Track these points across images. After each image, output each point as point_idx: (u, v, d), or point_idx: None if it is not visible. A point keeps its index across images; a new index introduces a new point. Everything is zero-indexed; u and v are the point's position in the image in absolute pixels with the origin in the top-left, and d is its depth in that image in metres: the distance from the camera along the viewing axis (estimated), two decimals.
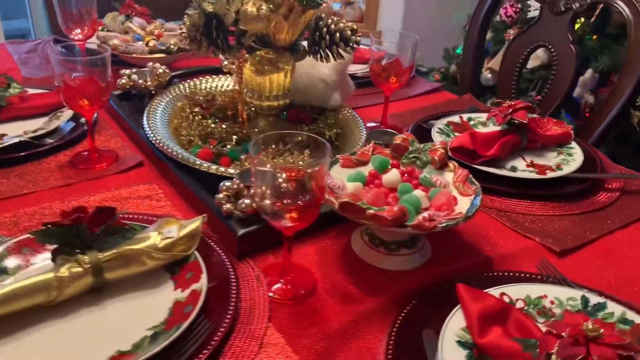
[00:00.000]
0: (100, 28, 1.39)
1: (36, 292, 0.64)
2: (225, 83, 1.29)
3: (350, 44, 1.04)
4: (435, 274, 0.80)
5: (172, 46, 1.31)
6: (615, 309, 0.69)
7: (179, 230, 0.74)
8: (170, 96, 1.19)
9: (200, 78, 1.27)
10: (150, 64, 1.21)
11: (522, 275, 0.77)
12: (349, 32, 1.03)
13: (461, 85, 1.86)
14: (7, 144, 1.01)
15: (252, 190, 0.83)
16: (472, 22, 1.78)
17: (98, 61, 0.95)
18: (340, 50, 1.03)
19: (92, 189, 0.95)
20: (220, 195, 0.84)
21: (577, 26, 2.11)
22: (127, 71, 1.20)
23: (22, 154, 1.01)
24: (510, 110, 1.10)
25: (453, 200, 0.79)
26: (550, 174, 1.04)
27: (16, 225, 0.84)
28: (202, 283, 0.69)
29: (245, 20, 0.95)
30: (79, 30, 1.35)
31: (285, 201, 0.68)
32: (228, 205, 0.83)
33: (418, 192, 0.79)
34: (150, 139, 1.02)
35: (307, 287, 0.76)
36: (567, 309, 0.70)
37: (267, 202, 0.69)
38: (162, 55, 1.31)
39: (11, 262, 0.71)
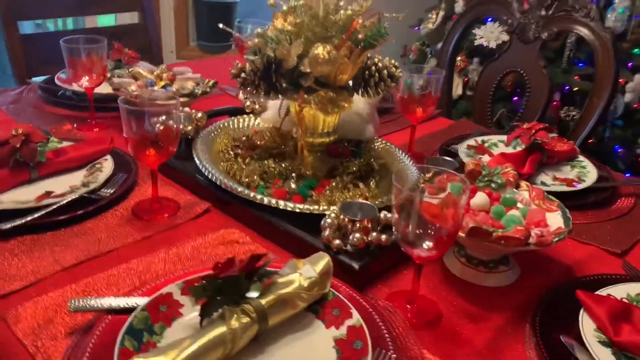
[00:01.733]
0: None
1: (215, 349, 0.63)
2: (252, 123, 1.31)
3: (395, 80, 1.11)
4: (532, 286, 0.87)
5: (196, 90, 1.30)
6: None
7: (314, 269, 0.75)
8: (207, 140, 1.19)
9: (229, 120, 1.28)
10: (186, 109, 1.20)
11: (611, 276, 0.87)
12: (393, 69, 1.10)
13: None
14: (67, 200, 0.96)
15: (357, 224, 0.86)
16: (441, 56, 1.91)
17: (171, 110, 0.94)
18: (387, 86, 1.10)
19: (172, 240, 0.93)
20: (327, 233, 0.87)
21: None
22: (163, 118, 1.17)
23: (79, 212, 0.96)
24: (533, 131, 1.22)
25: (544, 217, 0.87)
26: (579, 186, 1.16)
27: (116, 286, 0.80)
28: (357, 318, 0.71)
29: (316, 63, 0.99)
30: (87, 78, 1.31)
31: (429, 231, 0.72)
32: (337, 241, 0.86)
33: (515, 212, 0.87)
34: (220, 184, 1.01)
35: (435, 312, 0.80)
36: None
37: (411, 230, 0.73)
38: (186, 99, 1.30)
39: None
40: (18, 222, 0.90)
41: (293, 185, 1.05)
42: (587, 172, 1.23)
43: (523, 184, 0.96)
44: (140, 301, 0.73)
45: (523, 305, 0.82)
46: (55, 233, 0.92)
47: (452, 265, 0.90)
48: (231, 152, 1.17)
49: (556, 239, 0.80)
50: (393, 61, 1.12)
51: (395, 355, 0.67)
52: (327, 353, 0.68)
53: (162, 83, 1.35)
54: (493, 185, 0.97)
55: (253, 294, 0.69)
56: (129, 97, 1.27)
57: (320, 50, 0.98)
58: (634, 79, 2.32)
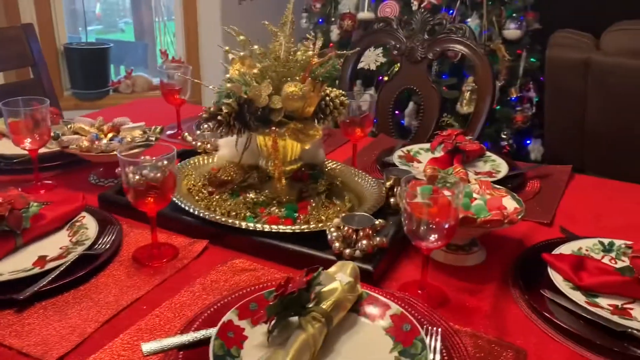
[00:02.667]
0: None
1: (305, 353, 0.72)
2: (207, 161, 1.38)
3: (344, 107, 1.27)
4: (499, 260, 1.07)
5: (150, 137, 1.34)
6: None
7: (346, 274, 0.87)
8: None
9: (184, 163, 1.34)
10: (147, 157, 1.23)
11: (555, 240, 1.10)
12: (342, 98, 1.26)
13: None
14: (72, 260, 0.97)
15: (360, 233, 1.00)
16: (341, 83, 2.11)
17: (166, 160, 0.99)
18: (339, 113, 1.25)
19: (187, 279, 0.98)
20: (337, 244, 0.99)
21: None
22: (131, 169, 1.20)
23: (87, 269, 0.97)
24: (454, 136, 1.46)
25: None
26: (499, 176, 1.41)
27: (161, 329, 0.85)
28: (396, 307, 0.84)
29: (289, 99, 1.11)
30: (29, 140, 1.28)
31: (431, 225, 0.88)
32: (348, 251, 0.98)
33: (478, 202, 1.06)
34: (216, 220, 1.08)
35: (442, 293, 0.96)
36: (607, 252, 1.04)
37: (422, 228, 0.88)
38: (141, 149, 1.32)
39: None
40: (33, 289, 0.89)
41: (278, 211, 1.15)
42: (498, 164, 1.49)
43: (472, 179, 1.17)
44: (204, 333, 0.79)
45: (501, 275, 1.01)
46: (71, 293, 0.92)
47: (436, 254, 1.07)
48: (204, 191, 1.24)
49: (519, 216, 1.01)
50: (340, 91, 1.28)
51: (439, 328, 0.82)
52: (384, 341, 0.80)
53: (110, 135, 1.37)
54: (448, 184, 1.16)
55: (311, 304, 0.79)
56: (81, 151, 1.28)
57: (292, 88, 1.10)
58: None
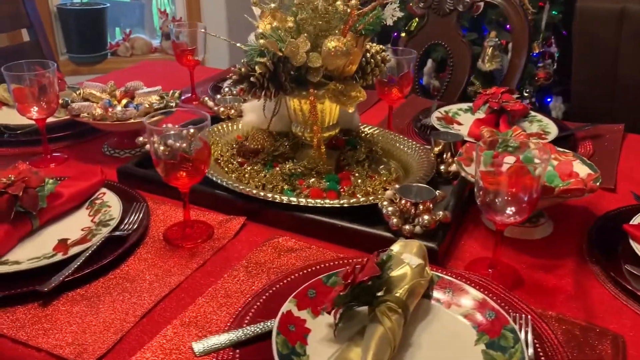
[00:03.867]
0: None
1: (385, 351, 0.62)
2: (231, 128, 1.26)
3: (385, 63, 1.14)
4: (569, 232, 0.97)
5: (170, 103, 1.21)
6: None
7: (413, 255, 0.76)
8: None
9: (211, 129, 1.21)
10: (170, 125, 1.11)
11: (629, 207, 0.99)
12: (384, 54, 1.13)
13: None
14: (97, 244, 0.86)
15: (420, 207, 0.89)
16: None
17: (200, 129, 0.87)
18: (380, 70, 1.13)
19: (228, 261, 0.88)
20: (395, 220, 0.88)
21: None
22: (155, 138, 1.09)
23: (110, 258, 0.85)
24: (499, 94, 1.33)
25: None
26: (550, 137, 1.29)
27: (210, 322, 0.75)
28: (474, 292, 0.74)
29: (331, 57, 0.98)
30: (36, 108, 1.15)
31: (507, 197, 0.77)
32: (407, 227, 0.87)
33: (549, 169, 0.95)
34: (255, 195, 0.97)
35: (515, 272, 0.86)
36: None
37: (499, 200, 0.77)
38: (161, 116, 1.20)
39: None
40: (58, 279, 0.79)
41: (318, 183, 1.03)
42: (546, 124, 1.37)
43: (531, 143, 1.05)
44: (261, 327, 0.69)
45: (575, 249, 0.91)
46: (101, 282, 0.82)
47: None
48: (233, 162, 1.12)
49: (597, 183, 0.90)
50: (381, 46, 1.15)
51: (529, 316, 0.72)
52: (465, 331, 0.70)
53: (124, 102, 1.24)
54: (510, 148, 1.04)
55: (382, 292, 0.69)
56: (94, 120, 1.16)
57: (335, 42, 0.97)
58: None
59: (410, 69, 1.27)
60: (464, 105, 1.50)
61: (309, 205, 0.95)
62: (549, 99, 2.93)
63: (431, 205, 0.89)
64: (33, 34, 1.91)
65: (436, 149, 1.13)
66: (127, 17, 3.81)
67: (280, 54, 0.99)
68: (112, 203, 0.98)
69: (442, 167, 1.10)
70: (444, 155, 1.13)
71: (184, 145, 0.86)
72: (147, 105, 1.19)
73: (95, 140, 1.30)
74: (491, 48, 2.51)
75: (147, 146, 1.10)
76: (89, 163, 1.21)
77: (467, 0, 1.79)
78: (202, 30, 1.50)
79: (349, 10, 1.02)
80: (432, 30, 1.87)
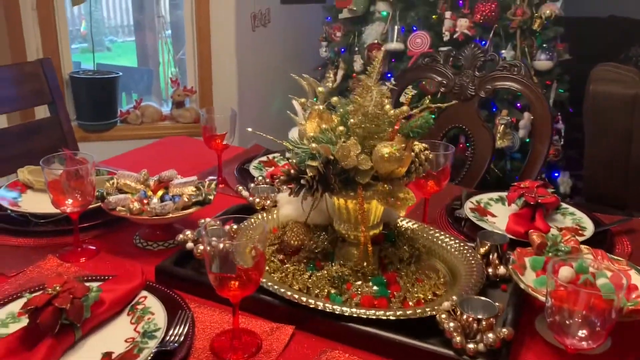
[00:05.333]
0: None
1: None
2: (267, 219, 1.23)
3: (428, 161, 1.14)
4: (628, 347, 0.94)
5: (208, 195, 1.18)
6: None
7: None
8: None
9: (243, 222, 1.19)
10: (206, 220, 1.09)
11: None
12: (427, 152, 1.13)
13: None
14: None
15: (483, 323, 0.86)
16: None
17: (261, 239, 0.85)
18: (424, 168, 1.12)
19: None
20: (458, 339, 0.84)
21: None
22: (189, 234, 1.06)
23: None
24: (535, 189, 1.33)
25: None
26: (587, 233, 1.28)
27: None
28: None
29: (384, 161, 0.97)
30: (71, 201, 1.12)
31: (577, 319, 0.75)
32: (471, 346, 0.84)
33: (602, 280, 0.93)
34: (305, 304, 0.93)
35: None
36: None
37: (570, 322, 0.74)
38: (197, 207, 1.18)
39: None
40: None
41: (367, 288, 1.00)
42: (579, 218, 1.37)
43: (584, 248, 1.04)
44: None
45: None
46: None
47: (550, 336, 0.93)
48: (274, 260, 1.09)
49: None
50: (423, 144, 1.14)
51: None
52: None
53: (160, 193, 1.22)
54: (560, 253, 1.03)
55: None
56: (131, 215, 1.13)
57: (388, 149, 0.97)
58: (524, 116, 2.63)
59: (448, 163, 1.27)
60: (494, 195, 1.50)
61: (363, 317, 0.91)
62: (556, 174, 2.96)
63: (494, 321, 0.86)
64: (54, 110, 1.90)
65: (482, 250, 1.11)
66: (135, 83, 3.85)
67: (332, 157, 0.98)
68: (155, 309, 0.94)
69: (490, 270, 1.07)
70: (490, 256, 1.10)
71: (242, 259, 0.83)
72: (186, 199, 1.16)
73: (126, 230, 1.27)
74: (502, 126, 2.55)
75: (189, 246, 1.06)
76: (121, 256, 1.17)
77: (489, 87, 1.83)
78: (240, 124, 1.50)
79: (396, 113, 1.02)
80: (453, 114, 1.90)
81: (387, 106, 1.02)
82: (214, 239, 0.83)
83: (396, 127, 1.02)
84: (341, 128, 1.00)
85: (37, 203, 1.34)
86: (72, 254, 1.16)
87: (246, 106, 3.27)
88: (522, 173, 1.82)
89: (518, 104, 2.65)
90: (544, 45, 2.66)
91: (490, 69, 1.82)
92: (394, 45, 2.67)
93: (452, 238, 1.18)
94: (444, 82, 1.89)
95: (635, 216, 1.41)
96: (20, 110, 2.14)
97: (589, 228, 1.31)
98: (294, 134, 1.18)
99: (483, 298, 0.91)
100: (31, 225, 1.26)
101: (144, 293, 0.98)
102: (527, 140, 2.74)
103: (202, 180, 1.28)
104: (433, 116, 1.07)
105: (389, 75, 2.75)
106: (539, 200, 1.32)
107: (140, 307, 0.95)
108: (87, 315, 0.87)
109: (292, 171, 1.01)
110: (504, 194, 1.49)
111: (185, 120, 3.21)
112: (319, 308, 0.93)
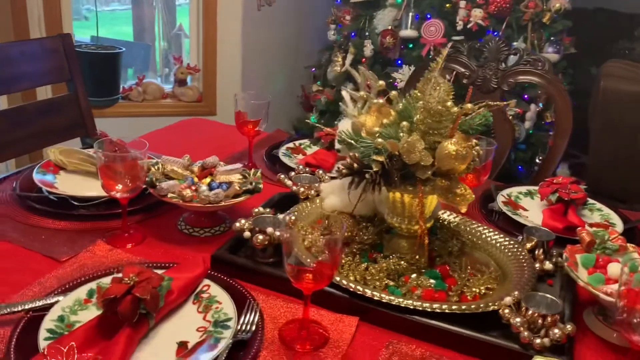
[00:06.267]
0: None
1: None
2: (308, 208, 1.24)
3: (479, 158, 1.16)
4: None
5: (256, 184, 1.19)
6: None
7: None
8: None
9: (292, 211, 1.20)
10: (257, 209, 1.10)
11: None
12: (478, 147, 1.15)
13: None
14: (223, 349, 0.82)
15: (548, 319, 0.89)
16: None
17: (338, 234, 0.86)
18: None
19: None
20: (525, 334, 0.87)
21: None
22: (244, 222, 1.07)
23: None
24: (568, 185, 1.37)
25: None
26: (618, 228, 1.32)
27: None
28: None
29: (449, 159, 0.99)
30: (121, 186, 1.12)
31: None
32: (539, 340, 0.87)
33: None
34: (370, 297, 0.95)
35: None
36: None
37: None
38: (248, 195, 1.18)
39: None
40: None
41: (425, 282, 1.03)
42: (607, 214, 1.41)
43: (629, 246, 1.08)
44: None
45: None
46: None
47: (603, 331, 0.97)
48: (326, 252, 1.10)
49: None
50: (475, 140, 1.16)
51: None
52: None
53: (207, 180, 1.21)
54: (608, 251, 1.06)
55: None
56: (184, 202, 1.13)
57: (454, 146, 0.98)
58: (530, 108, 2.67)
59: (490, 158, 1.30)
60: (522, 189, 1.53)
61: (428, 310, 0.93)
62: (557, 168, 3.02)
63: (558, 318, 0.89)
64: (72, 88, 1.86)
65: (528, 245, 1.14)
66: (132, 59, 3.78)
67: (397, 152, 0.99)
68: (221, 298, 0.94)
69: (537, 265, 1.11)
70: (536, 252, 1.14)
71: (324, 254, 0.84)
72: (237, 187, 1.16)
73: (169, 215, 1.27)
74: (510, 117, 2.59)
75: (246, 235, 1.07)
76: (168, 242, 1.17)
77: (511, 80, 1.85)
78: (267, 101, 1.50)
79: (459, 110, 1.03)
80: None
81: (450, 102, 1.04)
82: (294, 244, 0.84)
83: (456, 123, 1.04)
84: (405, 123, 1.01)
85: (74, 185, 1.33)
86: (120, 239, 1.16)
87: (249, 86, 3.24)
88: (541, 167, 1.86)
89: (525, 96, 2.69)
90: (552, 38, 2.70)
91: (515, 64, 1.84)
92: (408, 32, 2.68)
93: (494, 232, 1.21)
94: (467, 73, 1.90)
95: None
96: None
97: (618, 224, 1.36)
98: (345, 125, 1.18)
99: (546, 295, 0.94)
100: (72, 208, 1.24)
101: (207, 281, 0.98)
102: (531, 132, 2.79)
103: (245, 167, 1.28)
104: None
105: (399, 61, 2.76)
106: (572, 197, 1.36)
107: (205, 295, 0.96)
108: (161, 304, 0.87)
109: (355, 165, 1.02)
110: (532, 188, 1.53)
111: (188, 99, 3.17)
112: (384, 301, 0.95)
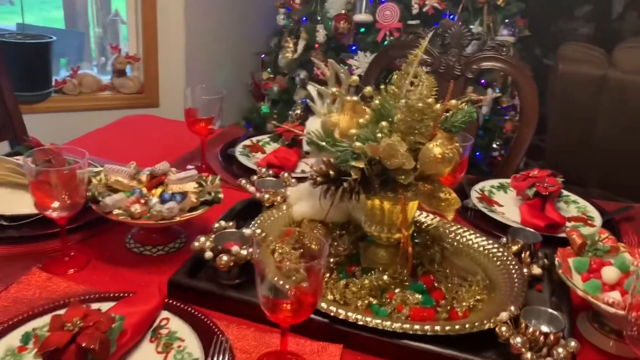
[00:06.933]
0: None
1: None
2: (273, 216, 1.12)
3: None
4: None
5: (217, 194, 1.05)
6: None
7: None
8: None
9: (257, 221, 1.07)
10: (218, 224, 0.97)
11: None
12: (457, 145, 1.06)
13: None
14: None
15: (551, 337, 0.81)
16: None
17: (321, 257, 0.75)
18: None
19: None
20: (528, 355, 0.79)
21: None
22: (204, 240, 0.94)
23: None
24: (545, 179, 1.30)
25: None
26: (596, 222, 1.28)
27: None
28: None
29: (435, 162, 0.89)
30: (57, 204, 0.96)
31: None
32: None
33: None
34: (353, 321, 0.84)
35: None
36: None
37: None
38: (205, 207, 1.04)
39: None
40: None
41: (410, 297, 0.93)
42: (584, 207, 1.36)
43: (620, 246, 1.02)
44: None
45: None
46: None
47: (600, 340, 0.91)
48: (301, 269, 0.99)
49: None
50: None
51: None
52: None
53: (158, 191, 1.07)
54: (599, 252, 1.00)
55: None
56: (133, 220, 0.99)
57: (439, 149, 0.89)
58: (487, 93, 2.63)
59: (466, 155, 1.21)
60: (494, 182, 1.46)
61: (419, 333, 0.84)
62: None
63: (561, 335, 0.82)
64: None
65: (514, 248, 1.07)
66: (65, 48, 3.50)
67: (377, 157, 0.88)
68: (184, 334, 0.82)
69: (524, 271, 1.03)
70: (522, 255, 1.06)
71: (303, 280, 0.73)
72: (194, 199, 1.03)
73: (114, 231, 1.11)
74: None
75: (208, 255, 0.94)
76: (115, 264, 1.02)
77: (475, 67, 1.78)
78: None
79: (442, 108, 0.93)
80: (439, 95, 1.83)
81: (431, 99, 0.94)
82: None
83: (437, 121, 0.94)
84: (384, 124, 0.90)
85: (1, 201, 1.16)
86: (59, 264, 1.00)
87: (193, 75, 3.05)
88: (508, 157, 1.80)
89: (482, 81, 2.64)
90: (506, 20, 2.66)
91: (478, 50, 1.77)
92: (362, 16, 2.56)
93: (475, 234, 1.13)
94: (429, 60, 1.81)
95: (636, 203, 1.43)
96: None
97: (596, 217, 1.31)
98: (314, 124, 1.07)
99: (546, 309, 0.86)
100: (1, 229, 1.07)
101: (165, 313, 0.85)
102: (487, 117, 2.75)
103: (198, 172, 1.14)
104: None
105: (353, 47, 2.65)
106: (549, 190, 1.30)
107: (164, 331, 0.83)
108: (112, 350, 0.73)
109: (330, 172, 0.90)
110: (504, 181, 1.46)
111: (128, 91, 2.95)
112: (371, 325, 0.85)
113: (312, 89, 1.10)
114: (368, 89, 0.98)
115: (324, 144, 0.97)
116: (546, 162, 2.63)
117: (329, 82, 1.08)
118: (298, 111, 2.56)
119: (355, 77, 0.99)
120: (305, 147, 1.06)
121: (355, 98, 0.96)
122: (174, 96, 3.00)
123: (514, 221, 1.26)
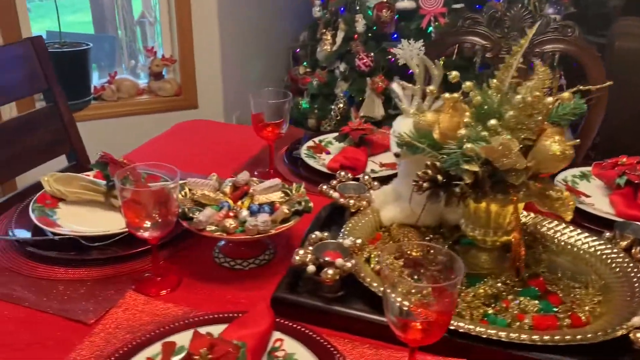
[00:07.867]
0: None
1: None
2: (361, 222, 1.07)
3: None
4: None
5: (307, 203, 1.01)
6: None
7: None
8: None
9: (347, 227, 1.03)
10: (314, 235, 0.93)
11: None
12: None
13: None
14: None
15: None
16: None
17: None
18: None
19: None
20: None
21: None
22: (303, 254, 0.90)
23: None
24: (636, 165, 1.24)
25: None
26: None
27: None
28: None
29: (554, 160, 0.83)
30: (149, 223, 0.93)
31: None
32: None
33: None
34: (477, 334, 0.80)
35: None
36: None
37: None
38: (296, 218, 1.00)
39: None
40: None
41: (528, 304, 0.88)
42: None
43: None
44: None
45: None
46: None
47: None
48: (403, 276, 0.94)
49: None
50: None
51: None
52: None
53: (246, 202, 1.03)
54: None
55: None
56: (228, 235, 0.96)
57: (558, 145, 0.83)
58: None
59: None
60: (574, 171, 1.39)
61: (550, 345, 0.79)
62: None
63: None
64: (50, 98, 1.63)
65: (623, 243, 1.01)
66: (97, 53, 3.48)
67: (490, 158, 0.83)
68: (302, 356, 0.78)
69: None
70: (632, 251, 1.00)
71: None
72: (286, 210, 0.98)
73: (199, 245, 1.08)
74: None
75: (310, 269, 0.89)
76: (208, 281, 0.99)
77: (538, 50, 1.71)
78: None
79: (553, 101, 0.88)
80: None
81: (537, 92, 0.88)
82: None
83: (544, 118, 0.88)
84: (493, 122, 0.85)
85: (79, 219, 1.13)
86: (152, 285, 0.97)
87: (229, 73, 3.01)
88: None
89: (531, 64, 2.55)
90: None
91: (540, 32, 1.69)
92: (405, 3, 2.48)
93: (574, 229, 1.07)
94: (488, 45, 1.75)
95: None
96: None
97: None
98: (402, 125, 1.01)
99: None
100: (83, 249, 1.05)
101: (278, 334, 0.81)
102: None
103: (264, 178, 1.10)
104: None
105: (395, 36, 2.58)
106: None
107: (280, 353, 0.79)
108: None
109: (439, 177, 0.85)
110: (584, 169, 1.39)
111: (166, 94, 2.92)
112: (494, 338, 0.80)
113: (396, 86, 1.05)
114: (468, 84, 0.92)
115: (422, 145, 0.92)
116: (601, 139, 2.55)
117: (418, 79, 1.03)
118: (341, 105, 2.50)
119: (455, 73, 0.93)
120: (395, 149, 1.01)
121: (455, 95, 0.91)
122: (211, 96, 2.97)
123: (607, 212, 1.20)
